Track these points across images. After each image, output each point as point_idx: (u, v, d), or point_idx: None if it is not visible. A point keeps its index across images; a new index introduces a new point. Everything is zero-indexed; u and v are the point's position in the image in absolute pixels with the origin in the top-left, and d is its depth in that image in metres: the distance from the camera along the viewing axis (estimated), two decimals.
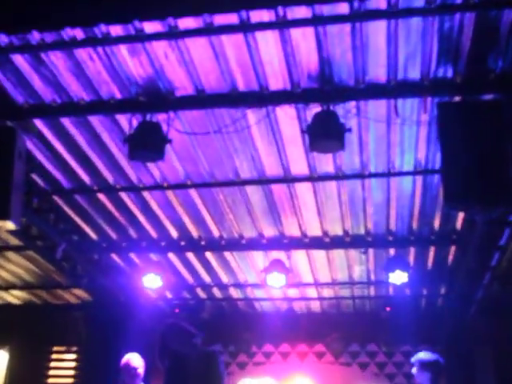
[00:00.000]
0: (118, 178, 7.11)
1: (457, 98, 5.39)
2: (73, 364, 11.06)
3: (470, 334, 10.03)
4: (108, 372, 10.18)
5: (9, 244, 8.51)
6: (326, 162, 6.61)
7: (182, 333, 4.77)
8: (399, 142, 6.22)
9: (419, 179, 6.85)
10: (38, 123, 6.20)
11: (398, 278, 8.27)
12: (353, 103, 5.62)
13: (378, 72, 5.33)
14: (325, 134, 5.38)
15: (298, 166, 6.73)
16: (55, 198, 7.52)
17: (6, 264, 9.29)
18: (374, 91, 5.45)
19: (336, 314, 11.18)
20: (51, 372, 11.06)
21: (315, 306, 10.97)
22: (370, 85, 5.41)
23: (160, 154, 5.62)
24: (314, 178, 6.90)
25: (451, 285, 9.15)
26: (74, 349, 11.10)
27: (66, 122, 6.18)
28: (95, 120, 6.14)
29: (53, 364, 11.11)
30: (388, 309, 9.77)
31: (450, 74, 5.26)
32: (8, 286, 10.25)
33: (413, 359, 6.07)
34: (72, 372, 10.99)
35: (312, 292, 10.25)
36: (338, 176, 6.84)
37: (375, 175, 6.82)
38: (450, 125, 4.92)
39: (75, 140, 6.44)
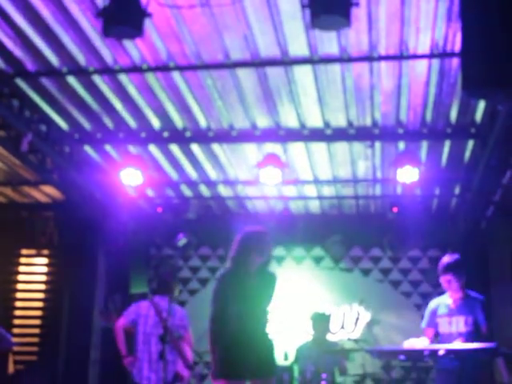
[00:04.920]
0: (91, 58, 6.99)
1: None
2: (44, 269, 11.26)
3: (486, 238, 10.26)
4: (82, 277, 10.41)
5: None
6: (328, 42, 6.51)
7: None
8: (414, 19, 6.10)
9: (436, 63, 6.78)
10: None
11: (408, 175, 8.35)
12: None
13: None
14: (328, 8, 5.23)
15: (297, 46, 6.63)
16: (18, 81, 7.42)
17: None
18: None
19: (337, 215, 11.38)
20: (20, 277, 11.29)
21: (314, 205, 11.13)
22: None
23: (138, 30, 5.49)
24: (314, 60, 6.82)
25: (467, 184, 9.24)
26: (45, 252, 11.28)
27: None
28: None
29: (22, 269, 11.33)
30: (395, 210, 9.86)
31: None
32: None
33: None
34: (43, 277, 11.22)
35: (311, 190, 10.37)
36: (343, 58, 6.76)
37: (385, 58, 6.74)
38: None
39: (39, 13, 6.28)
